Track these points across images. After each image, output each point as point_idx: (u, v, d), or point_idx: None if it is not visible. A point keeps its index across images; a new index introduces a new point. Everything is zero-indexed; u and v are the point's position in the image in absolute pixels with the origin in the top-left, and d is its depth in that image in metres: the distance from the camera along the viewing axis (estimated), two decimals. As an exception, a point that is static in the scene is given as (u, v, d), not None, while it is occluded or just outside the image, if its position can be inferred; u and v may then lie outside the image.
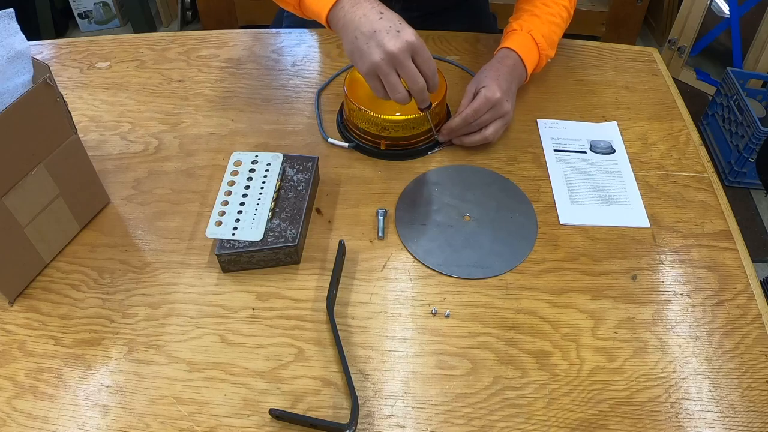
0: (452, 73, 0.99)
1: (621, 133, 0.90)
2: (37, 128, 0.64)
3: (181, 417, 0.60)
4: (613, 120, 0.92)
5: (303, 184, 0.76)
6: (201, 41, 1.05)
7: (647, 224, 0.78)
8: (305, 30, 1.07)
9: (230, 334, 0.66)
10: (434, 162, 0.85)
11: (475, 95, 0.83)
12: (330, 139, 0.87)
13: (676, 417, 0.61)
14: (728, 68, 1.90)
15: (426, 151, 0.86)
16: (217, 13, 2.35)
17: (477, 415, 0.61)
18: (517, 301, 0.69)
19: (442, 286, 0.71)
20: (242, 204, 0.73)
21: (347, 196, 0.80)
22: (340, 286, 0.70)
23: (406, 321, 0.68)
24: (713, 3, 2.13)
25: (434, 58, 1.00)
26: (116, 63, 1.00)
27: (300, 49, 1.04)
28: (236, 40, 1.05)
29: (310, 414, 0.60)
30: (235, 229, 0.70)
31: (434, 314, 0.68)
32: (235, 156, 0.78)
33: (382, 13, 0.70)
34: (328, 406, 0.61)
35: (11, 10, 0.66)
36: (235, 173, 0.77)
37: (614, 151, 0.87)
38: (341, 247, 0.71)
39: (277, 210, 0.73)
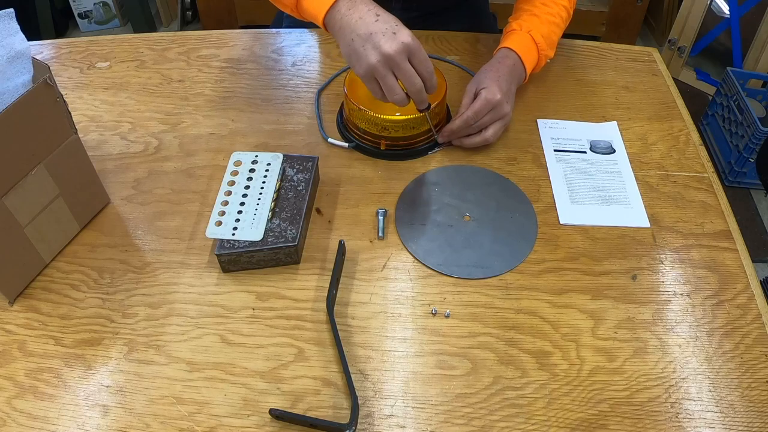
0: (452, 73, 0.99)
1: (621, 133, 0.90)
2: (37, 128, 0.64)
3: (181, 417, 0.60)
4: (613, 120, 0.92)
5: (303, 184, 0.76)
6: (201, 41, 1.05)
7: (647, 224, 0.78)
8: (305, 30, 1.07)
9: (230, 334, 0.66)
10: (434, 162, 0.85)
11: (475, 96, 0.83)
12: (330, 139, 0.87)
13: (676, 417, 0.61)
14: (728, 68, 1.90)
15: (426, 151, 0.86)
16: (217, 13, 2.35)
17: (477, 415, 0.61)
18: (517, 301, 0.69)
19: (442, 286, 0.71)
20: (242, 204, 0.73)
21: (347, 196, 0.80)
22: (340, 286, 0.70)
23: (406, 321, 0.68)
24: (713, 3, 2.13)
25: (434, 58, 1.02)
26: (116, 63, 1.00)
27: (300, 49, 1.04)
28: (236, 40, 1.05)
29: (310, 414, 0.60)
30: (235, 229, 0.70)
31: (434, 314, 0.68)
32: (235, 156, 0.79)
33: (378, 15, 0.70)
34: (328, 406, 0.61)
35: (11, 10, 0.66)
36: (235, 173, 0.77)
37: (614, 151, 0.87)
38: (341, 247, 0.71)
39: (277, 210, 0.73)
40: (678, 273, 0.73)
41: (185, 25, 2.52)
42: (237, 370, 0.63)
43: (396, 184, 0.81)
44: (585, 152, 0.87)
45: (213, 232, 0.70)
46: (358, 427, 0.59)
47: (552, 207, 0.79)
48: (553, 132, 0.90)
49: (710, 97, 2.08)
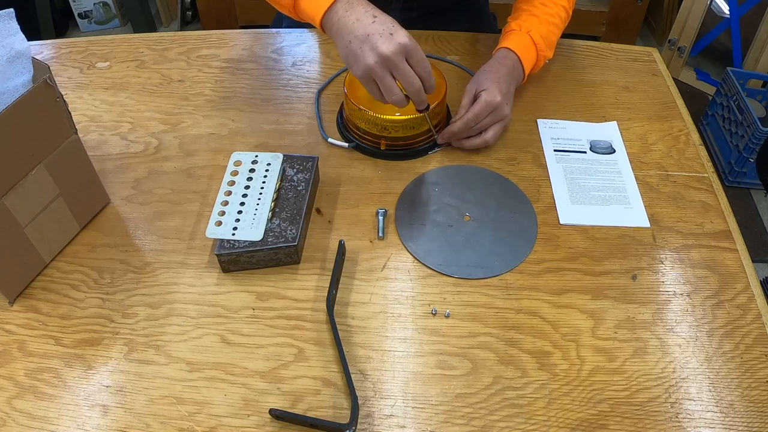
0: (452, 73, 0.99)
1: (621, 133, 0.90)
2: (37, 128, 0.64)
3: (181, 417, 0.60)
4: (613, 120, 0.92)
5: (303, 184, 0.76)
6: (201, 41, 1.05)
7: (647, 224, 0.78)
8: (305, 30, 1.08)
9: (230, 334, 0.66)
10: (434, 162, 0.85)
11: (475, 97, 0.83)
12: (330, 139, 0.87)
13: (676, 417, 0.61)
14: (728, 68, 1.90)
15: (426, 151, 0.86)
16: (217, 13, 2.35)
17: (477, 415, 0.61)
18: (517, 301, 0.69)
19: (442, 286, 0.71)
20: (242, 204, 0.73)
21: (347, 196, 0.80)
22: (340, 286, 0.70)
23: (406, 321, 0.68)
24: (713, 3, 2.13)
25: (434, 58, 1.02)
26: (116, 63, 1.00)
27: (300, 49, 1.04)
28: (236, 40, 1.05)
29: (310, 414, 0.60)
30: (235, 229, 0.70)
31: (434, 314, 0.68)
32: (235, 156, 0.79)
33: (375, 17, 0.70)
34: (328, 406, 0.61)
35: (11, 10, 0.66)
36: (235, 173, 0.77)
37: (614, 151, 0.87)
38: (341, 247, 0.71)
39: (277, 210, 0.73)
40: (678, 273, 0.73)
41: (185, 25, 2.52)
42: (237, 370, 0.63)
43: (396, 184, 0.81)
44: (585, 152, 0.87)
45: (213, 232, 0.70)
46: (358, 427, 0.59)
47: (552, 207, 0.79)
48: (553, 132, 0.90)
49: (710, 97, 2.08)
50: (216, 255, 0.69)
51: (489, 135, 0.83)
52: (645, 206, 0.80)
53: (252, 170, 0.77)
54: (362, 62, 0.69)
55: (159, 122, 0.90)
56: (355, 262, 0.73)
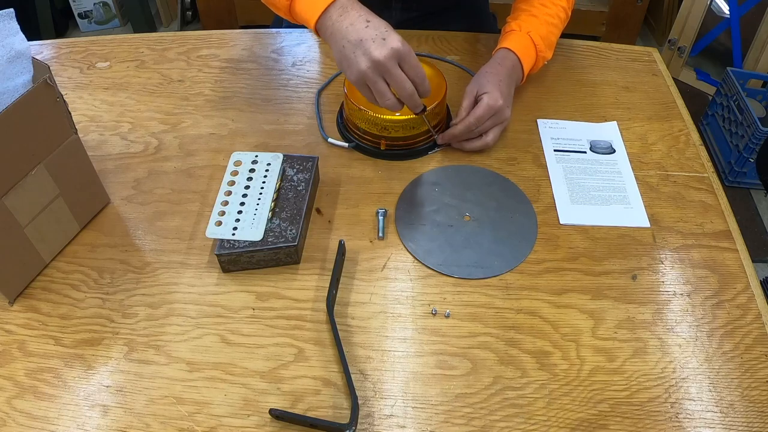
0: (452, 73, 0.99)
1: (621, 133, 0.90)
2: (37, 128, 0.64)
3: (181, 417, 0.60)
4: (613, 120, 0.92)
5: (303, 184, 0.76)
6: (201, 41, 1.05)
7: (647, 224, 0.78)
8: (305, 30, 1.07)
9: (230, 334, 0.66)
10: (434, 162, 0.85)
11: (476, 99, 0.83)
12: (330, 139, 0.87)
13: (676, 417, 0.61)
14: (728, 68, 1.90)
15: (426, 151, 0.86)
16: (217, 13, 2.35)
17: (477, 415, 0.61)
18: (517, 301, 0.69)
19: (442, 286, 0.71)
20: (242, 204, 0.73)
21: (347, 196, 0.80)
22: (340, 286, 0.70)
23: (406, 321, 0.68)
24: (713, 3, 2.13)
25: (434, 58, 1.02)
26: (116, 63, 1.00)
27: (300, 49, 1.04)
28: (236, 40, 1.05)
29: (310, 414, 0.60)
30: (235, 229, 0.70)
31: (434, 314, 0.68)
32: (235, 156, 0.79)
33: (368, 21, 0.70)
34: (328, 406, 0.61)
35: (11, 10, 0.66)
36: (235, 173, 0.77)
37: (614, 151, 0.87)
38: (341, 247, 0.71)
39: (277, 210, 0.73)
40: (678, 273, 0.73)
41: (185, 25, 2.52)
42: (237, 370, 0.63)
43: (396, 184, 0.81)
44: (585, 152, 0.87)
45: (213, 232, 0.70)
46: (358, 427, 0.59)
47: (552, 207, 0.79)
48: (553, 132, 0.90)
49: (710, 97, 2.08)
50: (216, 255, 0.69)
51: (489, 138, 0.83)
52: (645, 206, 0.80)
53: (252, 170, 0.77)
54: (355, 67, 0.69)
55: (159, 122, 0.90)
56: (355, 262, 0.73)
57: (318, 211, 0.78)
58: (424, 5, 1.07)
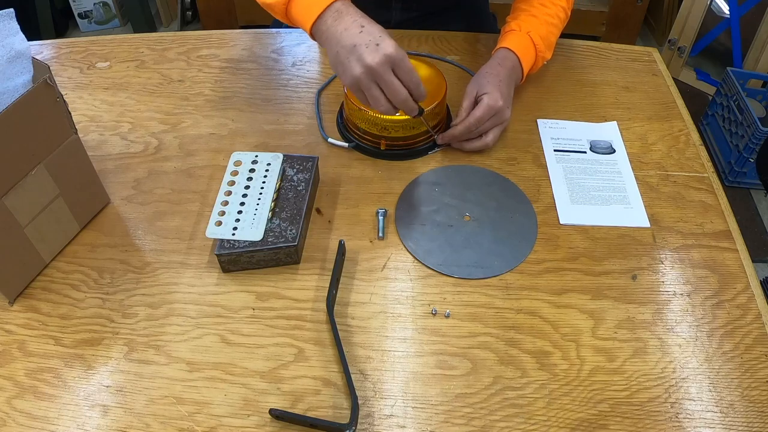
0: (452, 73, 0.99)
1: (621, 133, 0.90)
2: (37, 128, 0.64)
3: (181, 417, 0.60)
4: (613, 120, 0.92)
5: (303, 184, 0.76)
6: (201, 41, 1.05)
7: (647, 224, 0.78)
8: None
9: (230, 334, 0.66)
10: (434, 162, 0.85)
11: (476, 100, 0.83)
12: (330, 139, 0.87)
13: (676, 417, 0.61)
14: (728, 68, 1.90)
15: (426, 151, 0.86)
16: (217, 13, 2.35)
17: (477, 415, 0.61)
18: (517, 301, 0.69)
19: (442, 286, 0.71)
20: (242, 204, 0.73)
21: (347, 196, 0.80)
22: (340, 286, 0.70)
23: (406, 321, 0.68)
24: (713, 3, 2.13)
25: (434, 58, 1.02)
26: (116, 63, 1.00)
27: (300, 49, 1.04)
28: (236, 40, 1.05)
29: (310, 414, 0.60)
30: (235, 229, 0.70)
31: (434, 314, 0.68)
32: (235, 156, 0.79)
33: (362, 27, 0.70)
34: (328, 406, 0.61)
35: (11, 10, 0.66)
36: (235, 173, 0.77)
37: (614, 151, 0.87)
38: (341, 247, 0.71)
39: (277, 210, 0.73)
40: (678, 273, 0.73)
41: (185, 25, 2.52)
42: (237, 370, 0.63)
43: (396, 184, 0.81)
44: (585, 152, 0.87)
45: (213, 232, 0.70)
46: (358, 427, 0.59)
47: (552, 207, 0.79)
48: (553, 132, 0.90)
49: (710, 97, 2.08)
50: (216, 255, 0.69)
51: (490, 138, 0.83)
52: (645, 206, 0.80)
53: (252, 170, 0.77)
54: (349, 73, 0.70)
55: (159, 122, 0.90)
56: (355, 262, 0.73)
57: (318, 211, 0.78)
58: (424, 5, 1.07)
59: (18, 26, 0.66)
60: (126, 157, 0.85)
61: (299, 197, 0.74)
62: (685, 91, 2.12)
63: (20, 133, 0.62)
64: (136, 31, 2.42)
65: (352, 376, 0.62)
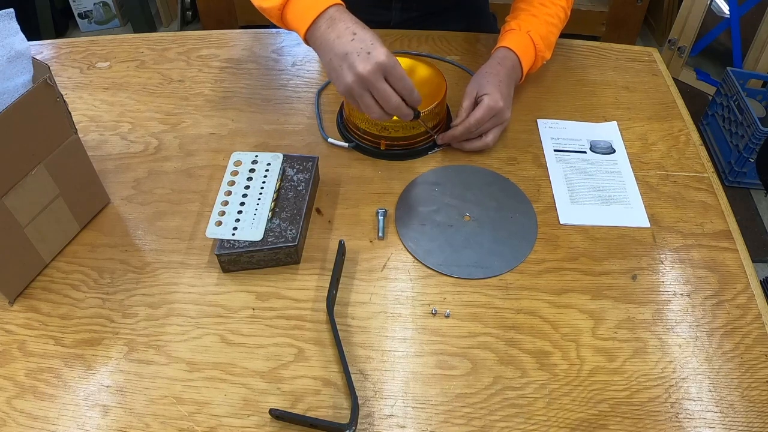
0: (452, 73, 0.99)
1: (621, 133, 0.90)
2: (37, 128, 0.64)
3: (181, 417, 0.60)
4: (613, 120, 0.92)
5: (303, 184, 0.76)
6: (201, 41, 1.05)
7: (647, 224, 0.78)
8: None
9: (230, 334, 0.66)
10: (434, 162, 0.85)
11: (476, 100, 0.83)
12: (330, 139, 0.87)
13: (676, 417, 0.61)
14: (728, 68, 1.90)
15: (426, 152, 0.86)
16: (217, 13, 2.35)
17: (477, 415, 0.61)
18: (517, 301, 0.69)
19: (442, 286, 0.71)
20: (242, 204, 0.73)
21: (347, 196, 0.80)
22: (340, 286, 0.70)
23: (406, 321, 0.68)
24: (713, 3, 2.13)
25: (434, 58, 1.02)
26: (116, 63, 1.00)
27: (300, 49, 1.04)
28: (236, 40, 1.05)
29: (310, 414, 0.60)
30: (235, 229, 0.70)
31: (434, 314, 0.68)
32: (235, 156, 0.79)
33: (354, 34, 0.70)
34: (328, 406, 0.61)
35: (11, 10, 0.66)
36: (235, 173, 0.77)
37: (614, 151, 0.87)
38: (341, 247, 0.71)
39: (277, 210, 0.73)
40: (678, 273, 0.73)
41: (185, 25, 2.52)
42: (237, 370, 0.63)
43: (396, 184, 0.81)
44: (585, 152, 0.87)
45: (213, 232, 0.70)
46: (358, 427, 0.59)
47: (552, 207, 0.79)
48: (553, 132, 0.90)
49: (710, 97, 2.08)
50: (216, 255, 0.69)
51: (490, 138, 0.83)
52: (645, 206, 0.80)
53: (252, 170, 0.77)
54: (341, 81, 0.70)
55: (159, 122, 0.90)
56: (355, 262, 0.73)
57: (318, 211, 0.78)
58: (424, 5, 1.07)
59: (18, 26, 0.66)
60: (126, 157, 0.85)
61: (299, 197, 0.74)
62: (685, 91, 2.12)
63: (20, 133, 0.62)
64: (136, 31, 2.42)
65: (352, 376, 0.62)
